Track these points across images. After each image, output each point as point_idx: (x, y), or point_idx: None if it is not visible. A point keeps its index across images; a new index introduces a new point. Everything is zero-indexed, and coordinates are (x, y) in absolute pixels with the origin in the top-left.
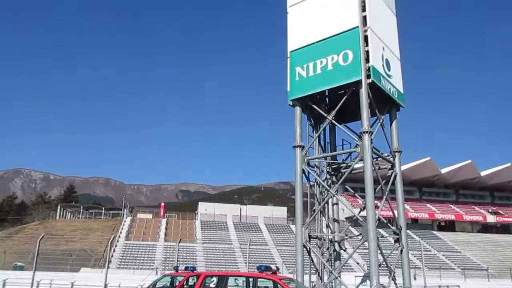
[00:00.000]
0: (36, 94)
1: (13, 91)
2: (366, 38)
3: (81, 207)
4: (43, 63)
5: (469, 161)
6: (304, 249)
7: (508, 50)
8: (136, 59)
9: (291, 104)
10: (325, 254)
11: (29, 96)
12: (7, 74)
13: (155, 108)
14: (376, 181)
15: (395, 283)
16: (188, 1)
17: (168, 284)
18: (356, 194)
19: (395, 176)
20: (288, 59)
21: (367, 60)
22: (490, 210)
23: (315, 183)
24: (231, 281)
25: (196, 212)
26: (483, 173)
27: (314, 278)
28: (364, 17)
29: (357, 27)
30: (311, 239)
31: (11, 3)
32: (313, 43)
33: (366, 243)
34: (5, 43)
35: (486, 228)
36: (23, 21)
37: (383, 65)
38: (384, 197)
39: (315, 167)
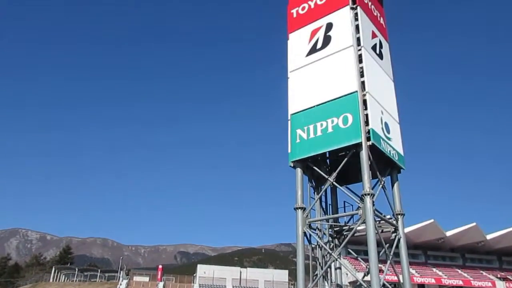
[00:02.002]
0: (36, 153)
1: (12, 148)
2: (365, 102)
3: (76, 269)
4: (44, 123)
5: (474, 224)
6: None
7: (508, 111)
8: (134, 121)
9: (292, 165)
10: None
11: (29, 154)
12: (7, 131)
13: (154, 168)
14: (379, 244)
15: None
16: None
17: None
18: (359, 258)
19: (399, 239)
20: (289, 122)
21: (366, 123)
22: (498, 276)
23: (317, 246)
24: None
25: (194, 275)
26: (489, 237)
27: None
28: (363, 82)
29: (356, 91)
30: None
31: None
32: (313, 107)
33: None
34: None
35: None
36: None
37: (382, 128)
38: (388, 261)
39: (316, 229)
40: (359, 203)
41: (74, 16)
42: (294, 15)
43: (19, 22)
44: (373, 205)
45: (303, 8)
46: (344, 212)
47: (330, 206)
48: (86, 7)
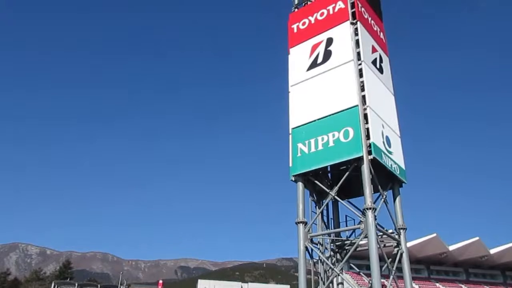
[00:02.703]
0: (36, 166)
1: (11, 161)
2: (366, 116)
3: (76, 284)
4: (44, 137)
5: (477, 238)
6: None
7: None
8: (135, 134)
9: (293, 179)
10: None
11: (30, 168)
12: (7, 143)
13: (155, 182)
14: (381, 259)
15: None
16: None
17: None
18: (361, 272)
19: (401, 254)
20: (290, 136)
21: (367, 137)
22: None
23: (319, 261)
24: None
25: None
26: (492, 251)
27: None
28: (363, 96)
29: (357, 105)
30: None
31: None
32: (315, 121)
33: None
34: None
35: None
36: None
37: (383, 142)
38: (391, 276)
39: (318, 244)
40: (361, 218)
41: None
42: (295, 30)
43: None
44: (375, 219)
45: (303, 24)
46: (346, 226)
47: (332, 220)
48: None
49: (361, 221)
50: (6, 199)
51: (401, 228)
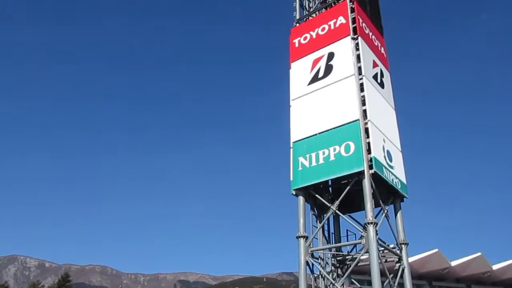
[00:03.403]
0: (34, 179)
1: (10, 174)
2: (367, 130)
3: None
4: (44, 148)
5: (479, 253)
6: None
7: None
8: (135, 148)
9: (294, 193)
10: None
11: (28, 180)
12: (7, 155)
13: (155, 195)
14: (383, 274)
15: None
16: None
17: None
18: None
19: (403, 269)
20: (291, 149)
21: (368, 151)
22: None
23: (320, 275)
24: None
25: None
26: (495, 267)
27: None
28: (364, 111)
29: (358, 120)
30: None
31: None
32: (316, 135)
33: None
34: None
35: None
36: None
37: (384, 156)
38: None
39: (319, 258)
40: (362, 232)
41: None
42: (296, 44)
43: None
44: (377, 234)
45: (305, 38)
46: (347, 241)
47: (333, 235)
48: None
49: (362, 235)
50: (5, 211)
51: (403, 243)
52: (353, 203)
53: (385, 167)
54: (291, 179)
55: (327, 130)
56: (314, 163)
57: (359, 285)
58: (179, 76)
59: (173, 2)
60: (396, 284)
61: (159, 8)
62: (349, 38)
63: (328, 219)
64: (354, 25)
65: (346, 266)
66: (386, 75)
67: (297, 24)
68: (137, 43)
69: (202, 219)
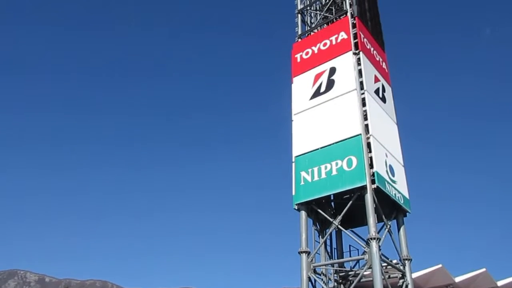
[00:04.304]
0: (36, 193)
1: (12, 188)
2: (369, 145)
3: None
4: (45, 164)
5: (484, 269)
6: None
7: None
8: (133, 163)
9: (296, 208)
10: None
11: (29, 194)
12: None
13: (157, 210)
14: None
15: None
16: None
17: None
18: None
19: (407, 285)
20: (293, 164)
21: (371, 166)
22: None
23: None
24: None
25: None
26: (500, 283)
27: None
28: (366, 125)
29: (360, 134)
30: None
31: None
32: (318, 149)
33: None
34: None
35: None
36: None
37: (387, 171)
38: None
39: (321, 274)
40: (365, 248)
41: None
42: (298, 59)
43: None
44: (380, 249)
45: (306, 53)
46: (350, 256)
47: (335, 250)
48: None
49: (365, 251)
50: (5, 225)
51: (406, 259)
52: (356, 218)
53: (388, 182)
54: (293, 193)
55: (329, 145)
56: (316, 178)
57: None
58: (177, 89)
59: (173, 15)
60: None
61: (158, 19)
62: (350, 53)
63: (330, 234)
64: (356, 40)
65: (349, 282)
66: (388, 89)
67: (299, 39)
68: (132, 53)
69: (203, 235)
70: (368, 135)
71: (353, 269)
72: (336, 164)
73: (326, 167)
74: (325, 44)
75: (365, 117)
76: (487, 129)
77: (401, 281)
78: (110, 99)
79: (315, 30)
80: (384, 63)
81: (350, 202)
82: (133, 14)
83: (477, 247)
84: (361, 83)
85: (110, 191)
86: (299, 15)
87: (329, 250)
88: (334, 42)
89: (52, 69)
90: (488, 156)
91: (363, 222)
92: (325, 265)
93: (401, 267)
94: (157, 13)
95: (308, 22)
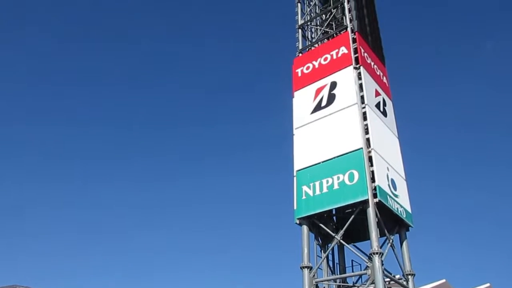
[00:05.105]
0: (38, 205)
1: (14, 204)
2: (370, 159)
3: None
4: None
5: (488, 284)
6: None
7: None
8: (131, 178)
9: (298, 223)
10: None
11: (30, 206)
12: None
13: (159, 227)
14: None
15: None
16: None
17: None
18: None
19: None
20: (295, 178)
21: (372, 180)
22: None
23: None
24: None
25: None
26: None
27: None
28: (368, 139)
29: (361, 148)
30: None
31: None
32: (319, 163)
33: None
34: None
35: None
36: None
37: (389, 185)
38: None
39: None
40: (367, 263)
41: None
42: (299, 74)
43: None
44: (382, 264)
45: (307, 68)
46: (352, 271)
47: (338, 265)
48: None
49: (367, 266)
50: (5, 240)
51: (409, 274)
52: (358, 233)
53: (390, 196)
54: (295, 208)
55: (331, 159)
56: (318, 192)
57: None
58: (175, 100)
59: (174, 26)
60: None
61: (159, 32)
62: (351, 67)
63: (332, 249)
64: (356, 55)
65: None
66: (389, 103)
67: (300, 54)
68: (132, 65)
69: (203, 253)
70: (370, 149)
71: (355, 285)
72: (338, 178)
73: (327, 181)
74: (325, 59)
75: (366, 131)
76: (491, 144)
77: None
78: (113, 110)
79: (316, 45)
80: (384, 77)
81: (352, 216)
82: (136, 22)
83: (481, 262)
84: (362, 97)
85: (113, 205)
86: (300, 30)
87: (331, 265)
88: (334, 57)
89: (49, 80)
90: (496, 172)
91: (366, 236)
92: (328, 280)
93: (404, 282)
94: (157, 26)
95: (309, 37)
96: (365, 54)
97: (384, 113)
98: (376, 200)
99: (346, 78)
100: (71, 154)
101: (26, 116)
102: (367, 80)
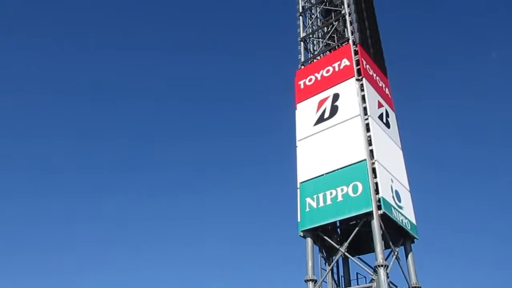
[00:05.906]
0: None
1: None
2: (374, 170)
3: None
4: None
5: None
6: None
7: None
8: (131, 192)
9: (302, 235)
10: None
11: (28, 222)
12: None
13: (161, 241)
14: None
15: None
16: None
17: None
18: None
19: None
20: (298, 190)
21: (376, 191)
22: None
23: None
24: None
25: None
26: None
27: None
28: (371, 151)
29: (365, 160)
30: None
31: None
32: (323, 175)
33: None
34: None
35: None
36: None
37: (393, 197)
38: None
39: None
40: (372, 275)
41: None
42: (302, 86)
43: None
44: (388, 277)
45: (310, 80)
46: (357, 284)
47: (343, 278)
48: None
49: (373, 279)
50: (5, 257)
51: (415, 287)
52: (363, 245)
53: (394, 208)
54: (299, 220)
55: (334, 171)
56: (321, 204)
57: None
58: (177, 115)
59: (174, 40)
60: None
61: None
62: (353, 79)
63: (337, 261)
64: (358, 67)
65: None
66: (392, 115)
67: (302, 66)
68: (130, 79)
69: (206, 263)
70: (373, 161)
71: None
72: (342, 190)
73: (331, 193)
74: (328, 71)
75: (370, 143)
76: (496, 155)
77: None
78: (113, 123)
79: (318, 57)
80: (387, 89)
81: (357, 228)
82: (139, 38)
83: (485, 272)
84: (365, 108)
85: (114, 220)
86: (302, 42)
87: (336, 278)
88: (337, 69)
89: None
90: (503, 184)
91: (370, 248)
92: None
93: None
94: (159, 38)
95: (311, 49)
96: (367, 66)
97: (387, 125)
98: (380, 212)
99: (348, 89)
100: (64, 168)
101: (25, 130)
102: (369, 91)
